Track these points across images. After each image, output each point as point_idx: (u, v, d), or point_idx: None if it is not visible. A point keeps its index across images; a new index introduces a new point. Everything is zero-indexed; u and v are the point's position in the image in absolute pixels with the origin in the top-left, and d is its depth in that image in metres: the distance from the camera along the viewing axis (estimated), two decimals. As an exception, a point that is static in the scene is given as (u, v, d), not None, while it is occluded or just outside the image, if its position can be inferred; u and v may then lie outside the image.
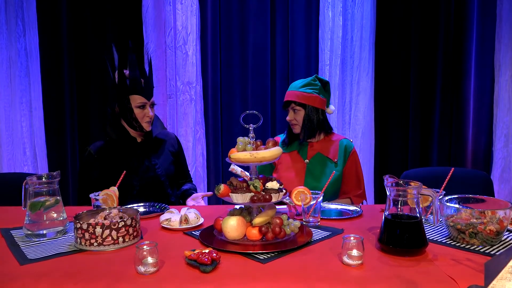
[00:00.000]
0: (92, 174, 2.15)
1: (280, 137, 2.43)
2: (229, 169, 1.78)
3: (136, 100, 2.12)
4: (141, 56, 2.46)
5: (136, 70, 2.08)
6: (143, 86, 2.12)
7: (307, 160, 2.27)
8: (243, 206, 1.50)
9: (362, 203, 2.30)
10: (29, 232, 1.49)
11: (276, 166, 2.35)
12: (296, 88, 2.28)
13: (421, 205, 1.33)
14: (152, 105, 2.20)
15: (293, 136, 2.34)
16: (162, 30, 3.17)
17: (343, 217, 1.74)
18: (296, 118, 2.27)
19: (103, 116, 3.08)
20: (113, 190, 1.73)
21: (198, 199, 2.14)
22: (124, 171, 1.85)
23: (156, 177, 2.19)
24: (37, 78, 3.12)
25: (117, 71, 2.09)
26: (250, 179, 1.46)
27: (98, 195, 1.71)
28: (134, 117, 2.13)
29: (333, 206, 1.93)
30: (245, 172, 1.56)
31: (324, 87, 2.32)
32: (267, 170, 2.37)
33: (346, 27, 3.24)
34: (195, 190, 2.37)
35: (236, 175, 1.50)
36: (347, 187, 2.29)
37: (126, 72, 2.10)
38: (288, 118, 2.30)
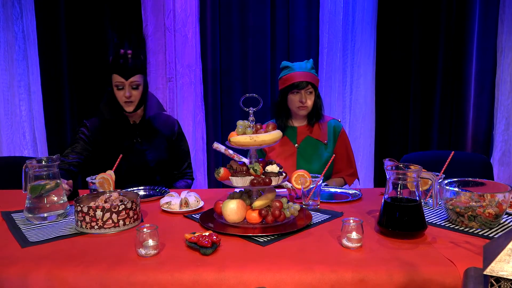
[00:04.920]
0: (81, 144, 2.14)
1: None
2: (213, 147, 1.76)
3: (115, 79, 2.10)
4: (137, 37, 2.40)
5: (118, 49, 2.05)
6: (121, 64, 2.06)
7: (297, 145, 2.25)
8: (243, 189, 1.51)
9: (354, 181, 2.33)
10: (30, 215, 1.49)
11: (267, 153, 2.31)
12: (308, 69, 2.19)
13: (420, 189, 1.33)
14: (136, 86, 2.11)
15: (285, 121, 2.27)
16: (161, 12, 3.13)
17: (343, 200, 1.75)
18: (308, 100, 2.19)
19: (101, 98, 3.06)
20: (110, 174, 1.73)
21: None
22: (121, 155, 1.85)
23: (145, 162, 2.18)
24: (35, 61, 3.10)
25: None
26: (250, 162, 1.46)
27: (94, 178, 1.71)
28: (115, 97, 2.13)
29: (332, 189, 1.94)
30: (229, 150, 1.54)
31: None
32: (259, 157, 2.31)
33: (347, 9, 3.20)
34: (190, 187, 2.33)
35: (220, 153, 1.48)
36: (339, 167, 2.30)
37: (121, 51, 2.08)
38: (303, 100, 2.16)
